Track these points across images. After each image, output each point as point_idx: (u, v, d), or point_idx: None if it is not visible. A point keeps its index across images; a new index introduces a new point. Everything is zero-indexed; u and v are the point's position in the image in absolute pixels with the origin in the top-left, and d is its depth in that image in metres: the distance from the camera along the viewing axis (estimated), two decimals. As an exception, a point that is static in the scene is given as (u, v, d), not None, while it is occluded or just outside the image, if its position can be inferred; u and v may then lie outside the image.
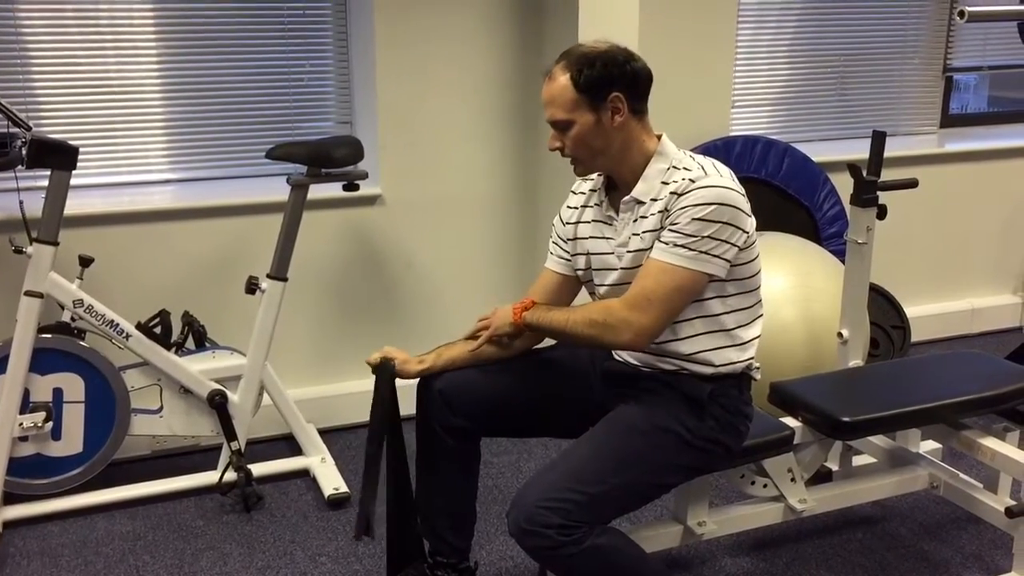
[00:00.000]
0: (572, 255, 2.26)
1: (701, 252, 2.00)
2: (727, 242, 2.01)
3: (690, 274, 2.01)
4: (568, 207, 2.29)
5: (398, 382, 2.22)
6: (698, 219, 1.99)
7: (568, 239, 2.27)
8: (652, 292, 2.02)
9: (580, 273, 2.26)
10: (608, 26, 3.05)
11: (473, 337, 2.27)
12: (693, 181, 2.02)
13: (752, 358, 2.19)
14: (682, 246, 2.00)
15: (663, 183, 2.07)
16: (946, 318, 4.37)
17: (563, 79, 2.05)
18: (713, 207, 1.99)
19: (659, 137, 2.14)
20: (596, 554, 1.94)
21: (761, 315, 2.20)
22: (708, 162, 2.09)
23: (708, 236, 2.00)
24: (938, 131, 4.54)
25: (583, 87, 2.03)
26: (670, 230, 2.02)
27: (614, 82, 2.04)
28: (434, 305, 3.60)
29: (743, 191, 2.07)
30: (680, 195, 2.02)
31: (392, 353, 2.25)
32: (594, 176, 2.24)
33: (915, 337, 4.02)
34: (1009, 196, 4.44)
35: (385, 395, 2.21)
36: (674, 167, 2.08)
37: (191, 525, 2.90)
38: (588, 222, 2.22)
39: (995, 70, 4.66)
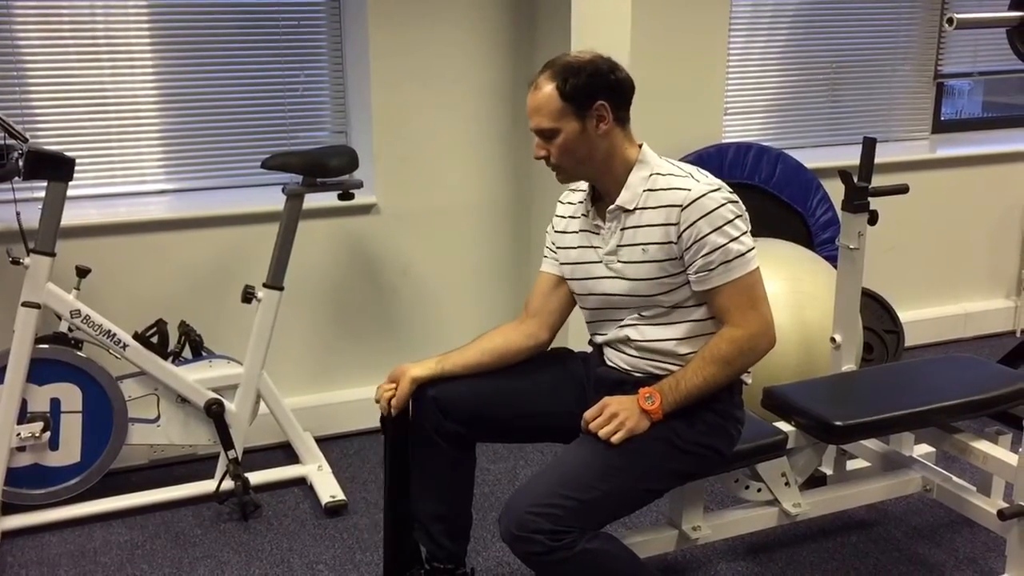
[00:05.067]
0: (561, 264, 2.29)
1: (745, 251, 2.05)
2: (748, 233, 2.08)
3: (755, 273, 2.08)
4: (558, 216, 2.31)
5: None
6: (719, 228, 2.03)
7: (559, 247, 2.29)
8: (749, 301, 2.07)
9: (569, 282, 2.28)
10: (601, 35, 3.07)
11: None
12: (689, 190, 2.05)
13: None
14: (733, 260, 2.04)
15: (647, 190, 2.09)
16: (939, 322, 4.38)
17: (548, 88, 2.07)
18: (722, 207, 2.04)
19: (640, 146, 2.16)
20: (588, 559, 1.95)
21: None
22: (693, 169, 2.13)
23: (739, 237, 2.05)
24: (930, 137, 4.56)
25: (569, 95, 2.06)
26: (706, 254, 2.04)
27: (599, 91, 2.07)
28: (430, 313, 3.62)
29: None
30: (684, 208, 2.04)
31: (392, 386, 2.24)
32: (584, 187, 2.25)
33: (908, 341, 4.04)
34: (1001, 201, 4.45)
35: (393, 442, 2.23)
36: (657, 174, 2.11)
37: (188, 534, 2.91)
38: (576, 232, 2.24)
39: (985, 76, 4.68)
